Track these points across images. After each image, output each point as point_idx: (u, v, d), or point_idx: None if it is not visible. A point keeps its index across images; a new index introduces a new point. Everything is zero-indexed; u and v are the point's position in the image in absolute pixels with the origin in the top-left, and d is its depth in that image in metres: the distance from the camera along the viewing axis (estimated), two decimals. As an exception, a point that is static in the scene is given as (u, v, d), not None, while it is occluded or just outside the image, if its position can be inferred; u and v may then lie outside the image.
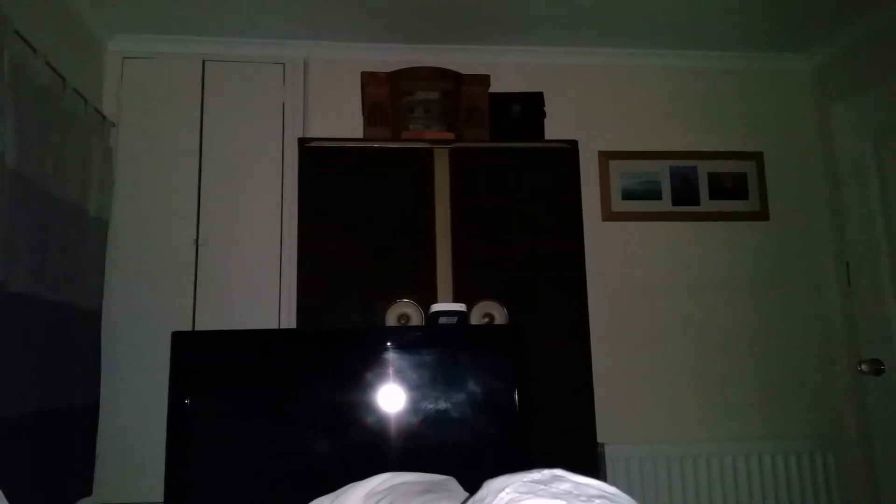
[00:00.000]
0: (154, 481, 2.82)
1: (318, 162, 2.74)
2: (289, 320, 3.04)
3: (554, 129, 3.10)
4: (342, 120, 3.24)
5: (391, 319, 2.59)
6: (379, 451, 1.76)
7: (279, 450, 1.79)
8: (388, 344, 1.80)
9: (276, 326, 3.04)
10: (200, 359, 1.76)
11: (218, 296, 3.04)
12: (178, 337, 1.76)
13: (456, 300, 2.60)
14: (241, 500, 1.79)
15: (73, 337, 2.60)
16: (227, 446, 1.80)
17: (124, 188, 3.04)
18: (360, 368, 1.77)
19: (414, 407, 1.76)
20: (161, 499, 2.79)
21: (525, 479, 0.66)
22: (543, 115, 3.03)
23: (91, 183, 2.75)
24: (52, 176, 2.43)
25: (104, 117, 2.95)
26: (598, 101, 3.43)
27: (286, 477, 1.78)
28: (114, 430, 2.87)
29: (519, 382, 1.73)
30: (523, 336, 1.75)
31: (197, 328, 2.99)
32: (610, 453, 2.95)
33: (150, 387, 2.90)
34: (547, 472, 0.68)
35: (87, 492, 2.76)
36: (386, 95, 2.87)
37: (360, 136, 3.13)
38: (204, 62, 3.17)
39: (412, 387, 1.76)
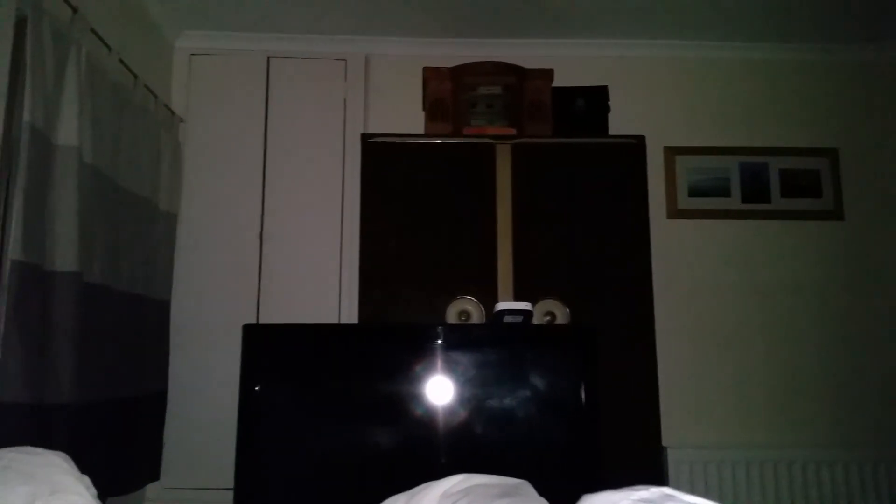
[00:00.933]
0: (217, 468, 2.90)
1: (381, 157, 2.75)
2: (348, 313, 3.07)
3: (617, 123, 3.03)
4: (402, 115, 3.24)
5: (451, 316, 2.58)
6: (442, 448, 1.76)
7: (344, 442, 1.81)
8: (454, 341, 1.79)
9: (336, 319, 3.08)
10: (270, 351, 1.79)
11: (280, 288, 3.09)
12: (249, 330, 1.79)
13: (516, 298, 2.58)
14: (306, 488, 1.81)
15: (144, 326, 2.67)
16: (294, 436, 1.83)
17: (192, 182, 3.12)
18: (423, 365, 1.77)
19: (478, 406, 1.75)
20: (223, 485, 2.88)
21: (633, 498, 0.62)
22: (608, 109, 2.97)
23: (161, 177, 2.83)
24: (125, 170, 2.50)
25: (173, 113, 3.02)
26: (663, 95, 3.35)
27: (351, 468, 1.79)
28: (179, 417, 2.95)
29: (588, 385, 1.70)
30: (594, 337, 1.72)
31: (260, 319, 3.05)
32: (673, 457, 2.89)
33: (215, 376, 2.98)
34: (656, 491, 0.64)
35: (155, 477, 2.84)
36: (448, 91, 2.86)
37: (421, 131, 3.13)
38: (269, 58, 3.22)
39: (476, 385, 1.75)
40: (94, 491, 1.05)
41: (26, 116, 1.89)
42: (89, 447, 2.19)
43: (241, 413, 1.75)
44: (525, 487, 1.13)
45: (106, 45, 2.38)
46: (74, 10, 2.15)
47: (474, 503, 1.03)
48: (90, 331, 2.18)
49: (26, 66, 1.91)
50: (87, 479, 1.05)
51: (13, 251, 1.85)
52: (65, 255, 2.04)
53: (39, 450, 1.05)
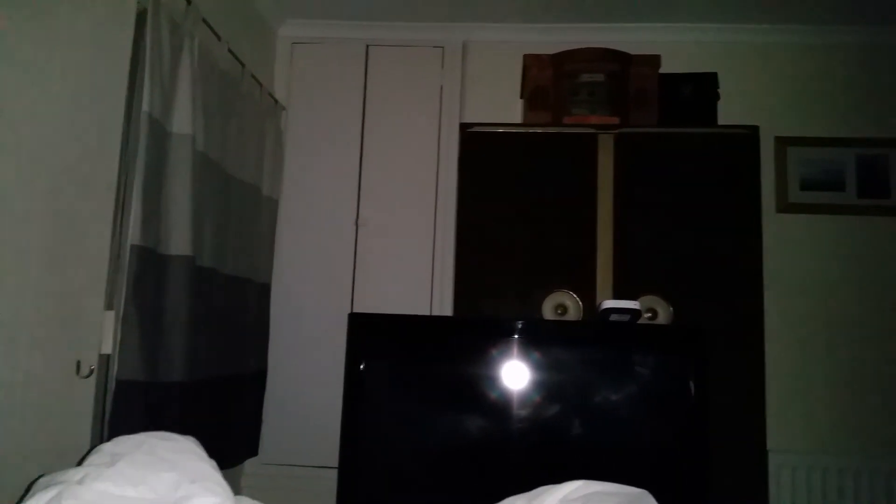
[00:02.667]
0: (312, 445, 2.99)
1: (479, 147, 2.73)
2: (441, 301, 3.08)
3: (726, 111, 2.90)
4: (499, 103, 3.20)
5: (547, 309, 2.54)
6: (542, 446, 1.73)
7: (445, 431, 1.81)
8: (557, 338, 1.76)
9: (428, 305, 3.09)
10: (373, 338, 1.81)
11: (375, 273, 3.13)
12: (354, 318, 1.82)
13: (616, 293, 2.52)
14: (406, 471, 1.82)
15: (248, 308, 2.76)
16: (394, 419, 1.85)
17: (292, 169, 3.18)
18: (525, 361, 1.75)
19: (581, 405, 1.71)
20: (316, 462, 2.96)
21: None
22: (717, 97, 2.84)
23: (265, 164, 2.90)
24: (232, 157, 2.57)
25: (276, 101, 3.08)
26: (775, 82, 3.17)
27: (451, 456, 1.79)
28: (276, 396, 3.04)
29: (697, 387, 1.63)
30: (704, 339, 1.65)
31: (355, 303, 3.10)
32: (775, 461, 2.76)
33: (312, 357, 3.06)
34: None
35: (254, 452, 2.94)
36: (548, 78, 2.80)
37: (518, 119, 3.09)
38: (367, 46, 3.24)
39: (579, 384, 1.72)
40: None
41: (145, 106, 1.97)
42: (197, 423, 2.28)
43: (345, 396, 1.78)
44: (646, 498, 1.10)
45: (216, 35, 2.44)
46: (188, 2, 2.21)
47: (594, 511, 1.00)
48: (199, 312, 2.26)
49: (145, 57, 1.99)
50: (213, 462, 1.09)
51: (132, 236, 1.93)
52: (179, 240, 2.12)
53: (174, 435, 1.09)
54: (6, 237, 1.53)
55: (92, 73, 1.82)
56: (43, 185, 1.65)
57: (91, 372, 1.86)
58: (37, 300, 1.64)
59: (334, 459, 2.92)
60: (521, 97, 3.09)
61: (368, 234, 3.15)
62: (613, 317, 1.81)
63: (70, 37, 1.72)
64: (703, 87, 2.83)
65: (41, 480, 0.93)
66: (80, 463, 1.05)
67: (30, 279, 1.61)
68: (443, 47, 3.25)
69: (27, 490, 0.95)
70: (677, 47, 3.09)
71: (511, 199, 2.67)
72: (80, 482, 0.90)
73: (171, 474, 0.95)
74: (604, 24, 3.16)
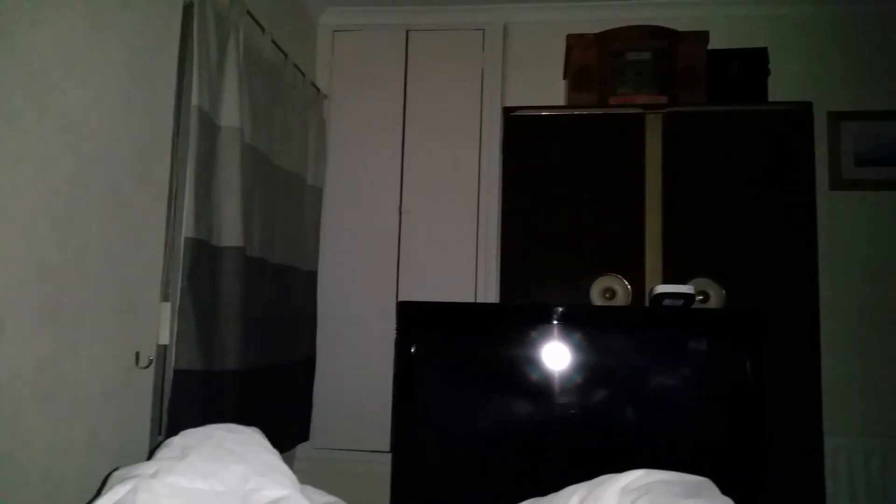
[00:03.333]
0: (361, 430, 3.04)
1: (522, 130, 2.70)
2: (485, 286, 3.07)
3: (776, 87, 2.82)
4: (541, 85, 3.17)
5: (595, 293, 2.52)
6: (595, 433, 1.72)
7: (495, 416, 1.81)
8: (611, 324, 1.75)
9: (472, 290, 3.09)
10: (422, 326, 1.82)
11: (419, 259, 3.14)
12: (402, 306, 1.83)
13: (666, 276, 2.48)
14: (456, 456, 1.84)
15: (296, 296, 2.79)
16: (443, 405, 1.85)
17: (335, 156, 3.20)
18: (578, 347, 1.74)
19: (637, 391, 1.70)
20: (366, 447, 3.01)
21: None
22: (767, 72, 2.76)
23: (308, 153, 2.92)
24: (278, 147, 2.59)
25: (318, 90, 3.10)
26: (826, 56, 3.06)
27: (502, 442, 1.80)
28: (326, 382, 3.08)
29: (755, 371, 1.61)
30: (761, 322, 1.62)
31: (399, 289, 3.12)
32: (831, 444, 2.70)
33: (358, 343, 3.09)
34: None
35: (305, 437, 2.99)
36: (593, 58, 2.75)
37: (560, 101, 3.05)
38: (408, 32, 3.23)
39: (636, 370, 1.70)
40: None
41: (194, 100, 1.99)
42: (251, 410, 2.33)
43: (396, 383, 1.80)
44: (708, 486, 1.09)
45: (260, 26, 2.45)
46: (233, -6, 2.23)
47: (657, 501, 0.99)
48: (250, 301, 2.30)
49: (193, 51, 2.01)
50: (276, 452, 1.11)
51: (186, 228, 1.96)
52: (230, 232, 2.15)
53: (239, 427, 1.11)
54: (68, 233, 1.57)
55: (142, 68, 1.85)
56: (100, 181, 1.68)
57: (150, 363, 1.90)
58: (97, 293, 1.68)
59: (383, 444, 3.01)
60: (564, 78, 3.05)
61: (412, 220, 3.16)
62: (667, 302, 1.79)
63: (120, 34, 1.75)
64: (753, 62, 2.75)
65: (116, 473, 0.95)
66: (150, 456, 1.07)
67: (90, 272, 1.65)
68: (483, 30, 3.21)
69: (103, 483, 0.98)
70: (726, 22, 3.01)
71: (556, 182, 2.64)
72: (154, 476, 0.92)
73: (239, 466, 0.97)
74: (649, 1, 3.08)
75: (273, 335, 2.55)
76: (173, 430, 1.90)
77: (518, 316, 1.81)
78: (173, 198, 2.05)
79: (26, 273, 1.44)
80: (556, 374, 1.77)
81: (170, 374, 1.98)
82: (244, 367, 2.24)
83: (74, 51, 1.58)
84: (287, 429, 2.78)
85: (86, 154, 1.63)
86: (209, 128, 2.07)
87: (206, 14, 2.04)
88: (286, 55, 2.69)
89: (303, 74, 2.86)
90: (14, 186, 1.39)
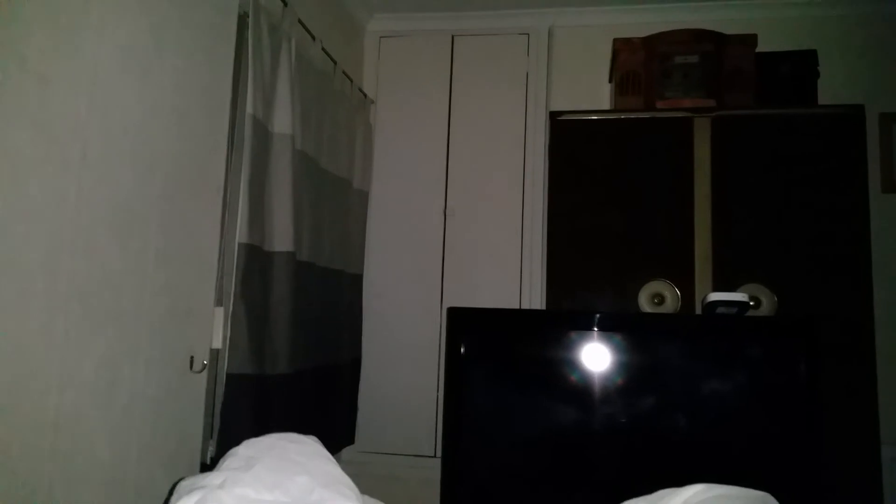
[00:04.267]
0: (405, 434, 3.06)
1: (569, 134, 2.70)
2: (530, 290, 3.07)
3: (826, 89, 2.77)
4: (586, 89, 3.16)
5: (644, 299, 2.50)
6: (654, 445, 1.71)
7: (545, 425, 1.81)
8: (665, 332, 1.73)
9: (517, 294, 3.09)
10: (471, 332, 1.83)
11: (464, 262, 3.15)
12: (452, 312, 1.84)
13: (716, 281, 2.45)
14: (512, 469, 1.84)
15: (342, 299, 2.83)
16: (491, 411, 1.86)
17: (381, 161, 3.23)
18: (631, 356, 1.73)
19: (692, 401, 1.68)
20: (410, 451, 3.02)
21: None
22: (817, 75, 2.71)
23: (355, 157, 2.95)
24: (326, 152, 2.63)
25: (365, 95, 3.13)
26: (876, 56, 2.99)
27: (554, 451, 1.79)
28: (370, 385, 3.11)
29: (810, 381, 1.58)
30: (817, 329, 1.60)
31: (445, 293, 3.13)
32: (888, 454, 2.63)
33: (403, 346, 3.11)
34: None
35: (351, 440, 3.02)
36: (640, 62, 2.73)
37: (605, 104, 3.04)
38: (453, 37, 3.25)
39: (690, 380, 1.69)
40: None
41: (249, 108, 2.03)
42: (300, 413, 2.37)
43: (446, 389, 1.82)
44: (769, 501, 1.07)
45: (311, 34, 2.49)
46: (285, 4, 2.27)
47: (719, 516, 0.98)
48: (300, 305, 2.33)
49: (248, 60, 2.05)
50: (336, 462, 1.12)
51: (240, 234, 2.00)
52: (282, 237, 2.19)
53: (300, 436, 1.13)
54: (128, 240, 1.61)
55: (199, 77, 1.89)
56: (158, 188, 1.73)
57: (204, 367, 1.94)
58: (154, 298, 1.72)
59: (427, 448, 3.03)
60: (610, 82, 3.03)
61: (457, 223, 3.17)
62: (720, 310, 1.77)
63: (179, 46, 1.79)
64: (802, 65, 2.71)
65: (183, 484, 0.98)
66: (213, 466, 1.10)
67: (148, 278, 1.69)
68: (528, 34, 3.22)
69: (170, 493, 1.00)
70: (773, 24, 2.96)
71: (603, 186, 2.63)
72: (221, 486, 0.94)
73: (303, 478, 0.98)
74: (696, 3, 3.05)
75: (320, 338, 2.59)
76: (224, 434, 1.95)
77: (570, 323, 1.80)
78: (227, 204, 2.09)
79: (88, 280, 1.48)
80: (607, 382, 1.76)
81: (222, 378, 2.03)
82: (293, 370, 2.28)
83: (136, 64, 1.62)
84: (333, 432, 2.81)
85: (145, 163, 1.67)
86: (262, 135, 2.11)
87: (260, 24, 2.08)
88: (335, 62, 2.72)
89: (350, 80, 2.90)
90: (78, 195, 1.43)
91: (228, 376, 1.99)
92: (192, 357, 1.90)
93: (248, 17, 2.07)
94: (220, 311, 2.04)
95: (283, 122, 2.18)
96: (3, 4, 1.23)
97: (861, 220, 2.45)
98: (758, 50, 2.70)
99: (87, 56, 1.45)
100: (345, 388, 2.91)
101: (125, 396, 1.62)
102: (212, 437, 2.06)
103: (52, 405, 1.38)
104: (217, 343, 2.04)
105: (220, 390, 2.02)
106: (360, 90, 3.08)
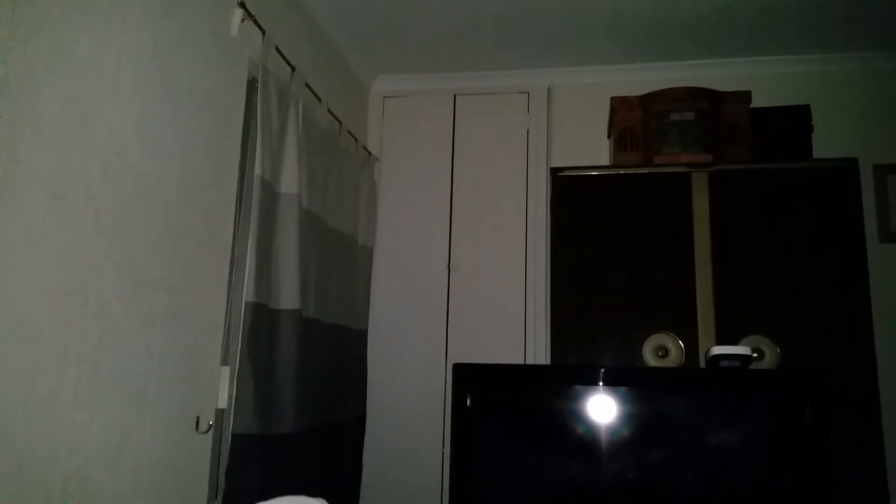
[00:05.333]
0: (410, 491, 3.02)
1: (569, 190, 2.74)
2: (534, 343, 3.08)
3: (820, 142, 2.83)
4: (586, 145, 3.23)
5: (648, 351, 2.51)
6: (658, 500, 1.70)
7: (551, 480, 1.80)
8: (669, 386, 1.74)
9: (522, 349, 3.09)
10: (478, 388, 1.83)
11: (468, 317, 3.16)
12: (458, 368, 1.84)
13: (718, 333, 2.46)
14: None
15: (347, 355, 2.84)
16: (498, 466, 1.85)
17: (386, 217, 3.28)
18: (637, 411, 1.73)
19: (697, 455, 1.68)
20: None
21: None
22: (811, 129, 2.77)
23: (360, 213, 3.00)
24: (332, 210, 2.68)
25: (369, 153, 3.20)
26: (869, 110, 3.07)
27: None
28: (375, 441, 3.09)
29: (819, 435, 1.58)
30: (825, 381, 1.60)
31: (449, 348, 3.14)
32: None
33: (408, 402, 3.10)
34: None
35: (356, 499, 2.99)
36: (637, 119, 2.80)
37: (605, 160, 3.10)
38: (455, 96, 3.33)
39: (694, 433, 1.69)
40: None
41: (257, 170, 2.08)
42: (305, 473, 2.35)
43: (453, 446, 1.81)
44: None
45: (317, 96, 2.57)
46: (293, 68, 2.34)
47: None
48: (306, 363, 2.34)
49: (257, 122, 2.11)
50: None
51: (247, 293, 2.03)
52: (288, 295, 2.21)
53: (308, 499, 1.13)
54: (137, 303, 1.64)
55: (209, 141, 1.95)
56: (168, 249, 1.76)
57: (210, 427, 1.95)
58: (162, 358, 1.74)
59: (434, 505, 2.99)
60: (609, 138, 3.10)
61: (461, 278, 3.20)
62: (724, 363, 1.78)
63: (190, 110, 1.85)
64: (796, 119, 2.77)
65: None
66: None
67: (155, 338, 1.71)
68: (528, 92, 3.30)
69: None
70: (767, 80, 3.05)
71: (604, 241, 2.66)
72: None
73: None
74: (690, 62, 3.14)
75: (326, 396, 2.58)
76: (229, 495, 1.94)
77: (575, 377, 1.81)
78: (234, 263, 2.12)
79: (99, 343, 1.50)
80: (614, 437, 1.76)
81: (227, 438, 2.03)
82: (299, 429, 2.27)
83: (149, 130, 1.68)
84: (339, 491, 2.79)
85: (156, 225, 1.71)
86: (270, 195, 2.15)
87: (269, 88, 2.15)
88: (340, 122, 2.79)
89: (355, 139, 2.97)
90: (90, 258, 1.47)
91: (234, 436, 1.98)
92: (198, 417, 1.90)
93: (257, 82, 2.14)
94: (226, 371, 2.06)
95: (290, 181, 2.23)
96: (24, 75, 1.29)
97: (860, 270, 2.47)
98: (752, 105, 2.76)
99: (103, 124, 1.51)
100: (350, 446, 2.89)
101: (132, 459, 1.62)
102: (216, 499, 2.05)
103: (59, 469, 1.38)
104: (223, 403, 2.04)
105: (226, 450, 2.02)
106: (365, 148, 3.15)
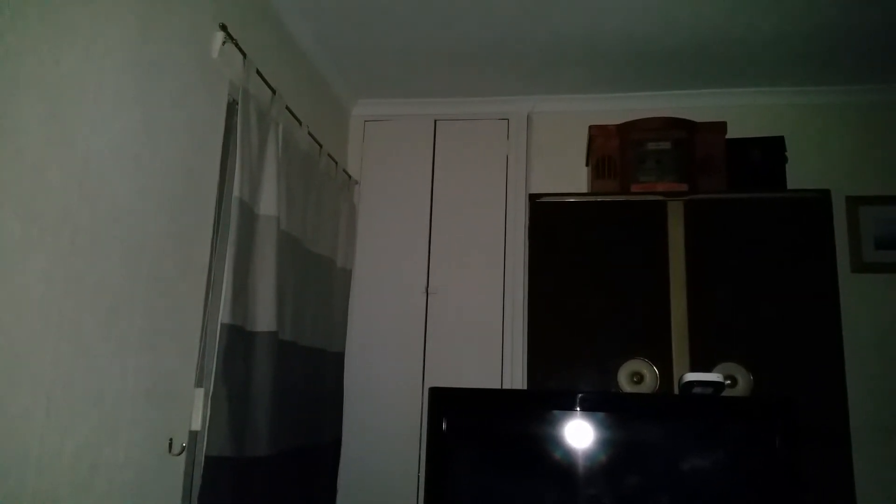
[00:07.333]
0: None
1: (548, 216, 2.77)
2: (511, 367, 3.08)
3: (794, 173, 2.89)
4: (565, 172, 3.27)
5: (623, 377, 2.53)
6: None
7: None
8: (643, 412, 1.75)
9: (499, 373, 3.10)
10: (453, 412, 1.83)
11: (445, 341, 3.17)
12: (434, 392, 1.85)
13: (693, 360, 2.49)
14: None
15: (323, 378, 2.82)
16: (477, 494, 1.85)
17: (364, 240, 3.29)
18: (612, 436, 1.74)
19: (671, 482, 1.69)
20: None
21: None
22: (785, 160, 2.84)
23: (339, 237, 3.00)
24: (311, 233, 2.68)
25: (349, 176, 3.21)
26: (843, 143, 3.14)
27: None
28: (350, 465, 3.07)
29: (790, 463, 1.60)
30: (796, 409, 1.63)
31: (426, 371, 3.14)
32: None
33: (384, 425, 3.09)
34: None
35: (329, 524, 2.96)
36: (615, 148, 2.85)
37: (583, 187, 3.14)
38: (435, 121, 3.36)
39: (668, 460, 1.70)
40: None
41: (236, 192, 2.08)
42: (279, 496, 2.33)
43: (427, 470, 1.80)
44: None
45: (297, 119, 2.58)
46: (274, 92, 2.36)
47: None
48: (281, 385, 2.33)
49: (236, 145, 2.11)
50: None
51: (223, 315, 2.02)
52: (264, 317, 2.20)
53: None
54: (113, 324, 1.63)
55: (188, 162, 1.95)
56: (144, 271, 1.75)
57: (182, 449, 1.93)
58: (136, 380, 1.72)
59: (409, 530, 2.97)
60: (587, 165, 3.14)
61: (438, 301, 3.21)
62: (696, 389, 1.80)
63: (169, 132, 1.85)
64: (771, 150, 2.83)
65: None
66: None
67: (130, 360, 1.70)
68: (508, 119, 3.34)
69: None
70: (743, 112, 3.11)
71: (582, 267, 2.69)
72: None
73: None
74: (668, 92, 3.20)
75: (302, 418, 2.57)
76: (202, 518, 1.92)
77: (552, 403, 1.82)
78: (211, 284, 2.12)
79: (73, 364, 1.49)
80: (590, 462, 1.77)
81: (200, 460, 2.00)
82: (274, 451, 2.25)
83: (127, 153, 1.67)
84: (313, 514, 2.76)
85: (133, 248, 1.70)
86: (248, 216, 2.15)
87: (249, 112, 2.16)
88: (321, 145, 2.81)
89: (336, 162, 2.98)
90: (66, 280, 1.46)
91: (207, 458, 1.96)
92: (171, 439, 1.88)
93: (237, 104, 2.15)
94: (200, 392, 2.04)
95: (268, 203, 2.23)
96: (3, 96, 1.29)
97: (832, 299, 2.51)
98: (728, 136, 2.82)
99: (81, 147, 1.50)
100: (325, 469, 2.87)
101: (104, 480, 1.60)
102: (188, 522, 2.02)
103: (30, 490, 1.36)
104: (196, 425, 2.03)
105: (199, 472, 2.00)
106: (345, 171, 3.16)
